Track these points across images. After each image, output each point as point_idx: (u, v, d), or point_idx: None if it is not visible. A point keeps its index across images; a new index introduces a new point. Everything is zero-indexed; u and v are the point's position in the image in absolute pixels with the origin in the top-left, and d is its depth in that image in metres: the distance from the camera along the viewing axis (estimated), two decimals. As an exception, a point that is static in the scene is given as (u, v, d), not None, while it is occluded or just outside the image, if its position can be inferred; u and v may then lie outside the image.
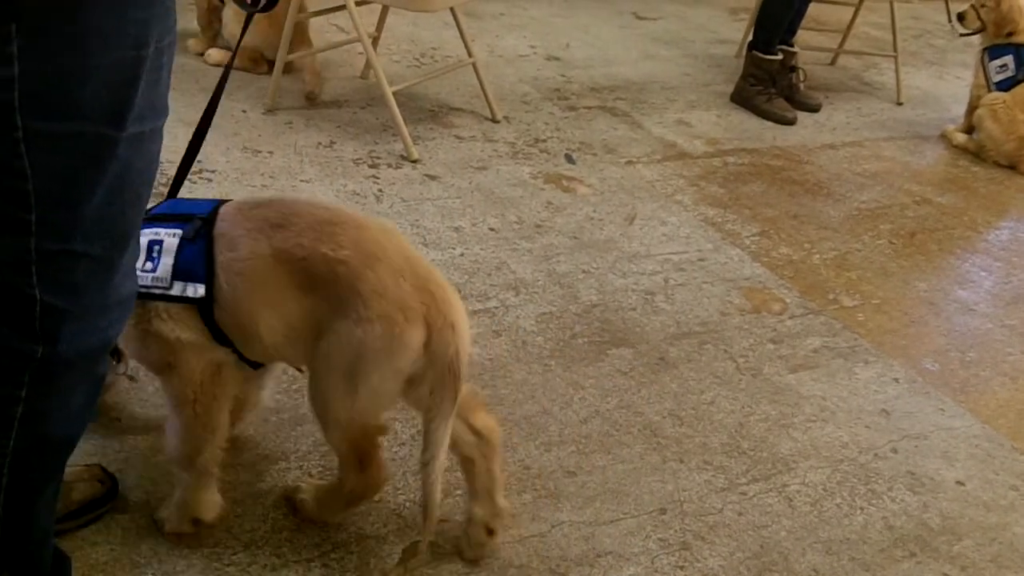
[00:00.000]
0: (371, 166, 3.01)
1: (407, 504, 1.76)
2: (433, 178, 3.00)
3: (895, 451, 2.12)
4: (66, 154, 1.08)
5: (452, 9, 3.29)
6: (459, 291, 2.40)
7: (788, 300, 2.65)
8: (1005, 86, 3.92)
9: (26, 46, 1.00)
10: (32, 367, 1.17)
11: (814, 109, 4.16)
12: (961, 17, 4.04)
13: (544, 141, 3.40)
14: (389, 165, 3.03)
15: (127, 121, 1.10)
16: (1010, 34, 3.92)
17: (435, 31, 4.24)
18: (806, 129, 3.96)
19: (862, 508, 1.94)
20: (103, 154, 1.10)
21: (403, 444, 1.90)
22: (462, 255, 2.60)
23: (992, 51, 3.97)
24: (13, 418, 1.20)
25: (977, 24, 3.99)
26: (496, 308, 2.40)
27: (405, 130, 3.11)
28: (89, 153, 1.09)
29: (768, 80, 4.02)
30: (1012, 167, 3.90)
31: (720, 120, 3.90)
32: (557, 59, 4.28)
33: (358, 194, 2.82)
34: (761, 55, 4.01)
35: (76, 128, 1.07)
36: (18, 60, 1.00)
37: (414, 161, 3.08)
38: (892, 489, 2.01)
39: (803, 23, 4.16)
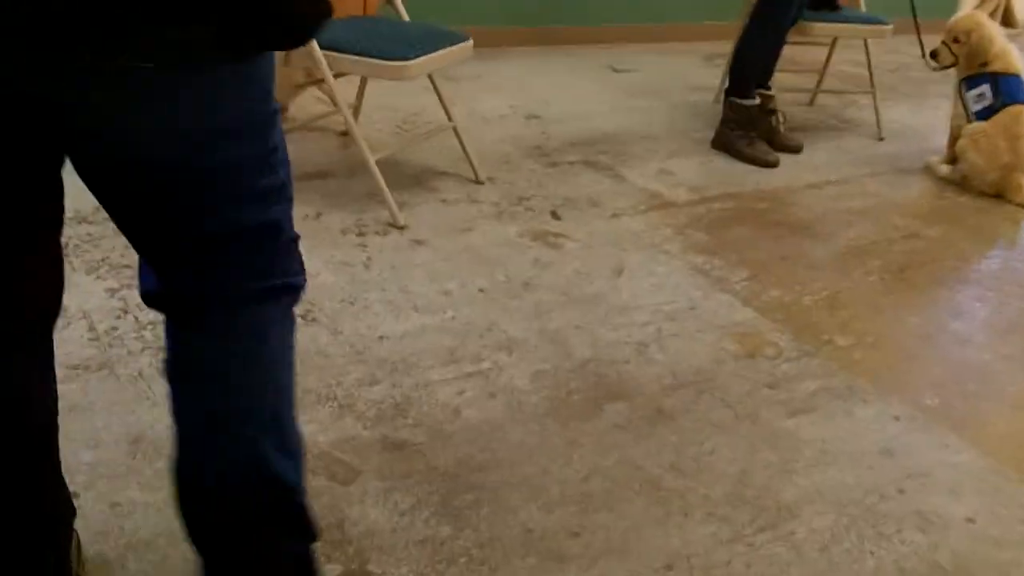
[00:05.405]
0: (359, 235, 3.01)
1: (408, 575, 1.74)
2: (420, 243, 3.00)
3: (901, 491, 2.10)
4: None
5: (430, 75, 3.31)
6: (452, 354, 2.40)
7: (782, 343, 2.64)
8: (984, 115, 3.94)
9: None
10: None
11: (796, 150, 4.19)
12: (934, 55, 4.08)
13: (528, 199, 3.41)
14: (376, 232, 3.03)
15: None
16: (984, 64, 3.96)
17: (414, 97, 4.28)
18: (789, 170, 3.98)
19: (872, 552, 1.92)
20: None
21: (403, 514, 1.88)
22: (453, 318, 2.59)
23: (969, 81, 4.01)
24: None
25: (951, 59, 4.03)
26: (489, 369, 2.38)
27: (390, 197, 3.11)
28: None
29: (748, 124, 4.04)
30: (998, 196, 3.92)
31: (702, 167, 3.91)
32: (536, 117, 4.31)
33: (347, 263, 2.82)
34: (739, 100, 4.04)
35: None
36: None
37: (401, 227, 3.08)
38: (901, 530, 1.98)
39: (779, 64, 4.19)
